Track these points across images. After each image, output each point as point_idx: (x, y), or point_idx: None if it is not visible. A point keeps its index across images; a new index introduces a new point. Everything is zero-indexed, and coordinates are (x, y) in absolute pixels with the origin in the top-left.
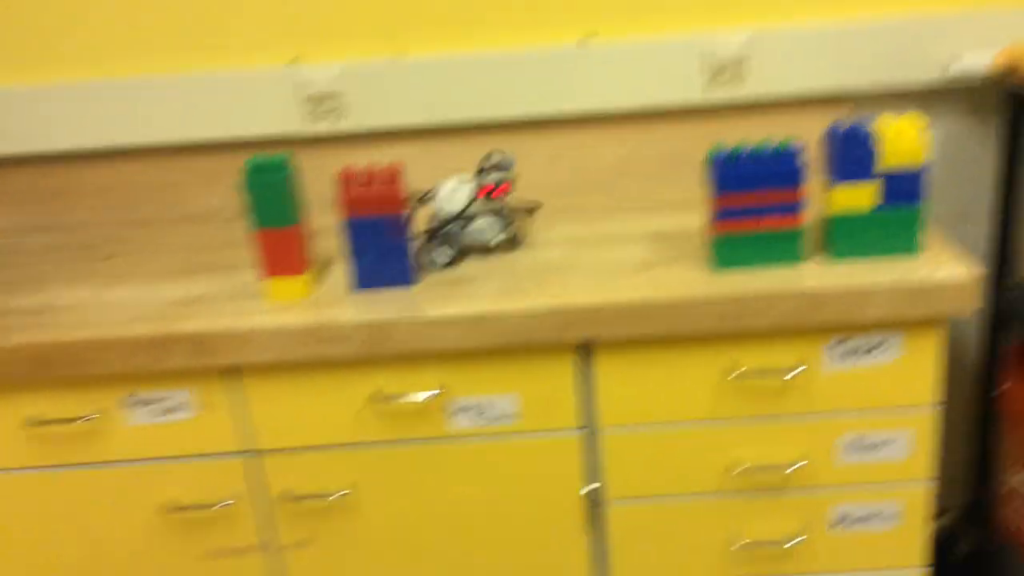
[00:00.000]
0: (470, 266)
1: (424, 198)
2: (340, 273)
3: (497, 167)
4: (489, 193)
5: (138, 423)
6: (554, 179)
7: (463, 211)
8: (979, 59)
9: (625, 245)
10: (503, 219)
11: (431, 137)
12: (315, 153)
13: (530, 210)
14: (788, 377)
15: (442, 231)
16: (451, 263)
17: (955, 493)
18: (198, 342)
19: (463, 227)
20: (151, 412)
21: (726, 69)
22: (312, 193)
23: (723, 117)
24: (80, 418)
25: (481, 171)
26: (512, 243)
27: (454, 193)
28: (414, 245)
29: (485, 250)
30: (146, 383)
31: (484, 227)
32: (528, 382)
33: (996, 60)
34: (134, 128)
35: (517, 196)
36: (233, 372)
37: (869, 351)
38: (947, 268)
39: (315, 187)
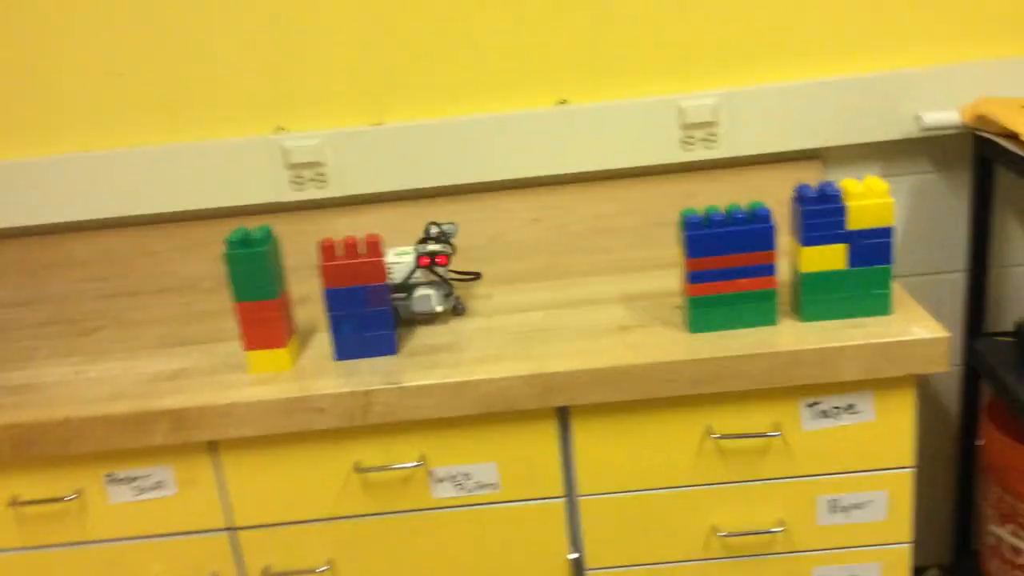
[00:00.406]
0: (450, 332)
1: None
2: (323, 342)
3: (439, 237)
4: (429, 264)
5: (120, 501)
6: (534, 239)
7: (404, 282)
8: (946, 113)
9: (603, 307)
10: (444, 288)
11: (413, 201)
12: (298, 219)
13: (471, 278)
14: (765, 439)
15: None
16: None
17: (940, 549)
18: (178, 418)
19: (405, 297)
20: (132, 490)
21: (698, 129)
22: (295, 260)
23: (697, 176)
24: (62, 498)
25: (424, 240)
26: (455, 311)
27: (394, 264)
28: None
29: (429, 319)
30: (127, 460)
31: (426, 296)
32: (508, 449)
33: (963, 113)
34: (118, 200)
35: (464, 263)
36: (214, 447)
37: (844, 412)
38: (918, 327)
39: (298, 254)
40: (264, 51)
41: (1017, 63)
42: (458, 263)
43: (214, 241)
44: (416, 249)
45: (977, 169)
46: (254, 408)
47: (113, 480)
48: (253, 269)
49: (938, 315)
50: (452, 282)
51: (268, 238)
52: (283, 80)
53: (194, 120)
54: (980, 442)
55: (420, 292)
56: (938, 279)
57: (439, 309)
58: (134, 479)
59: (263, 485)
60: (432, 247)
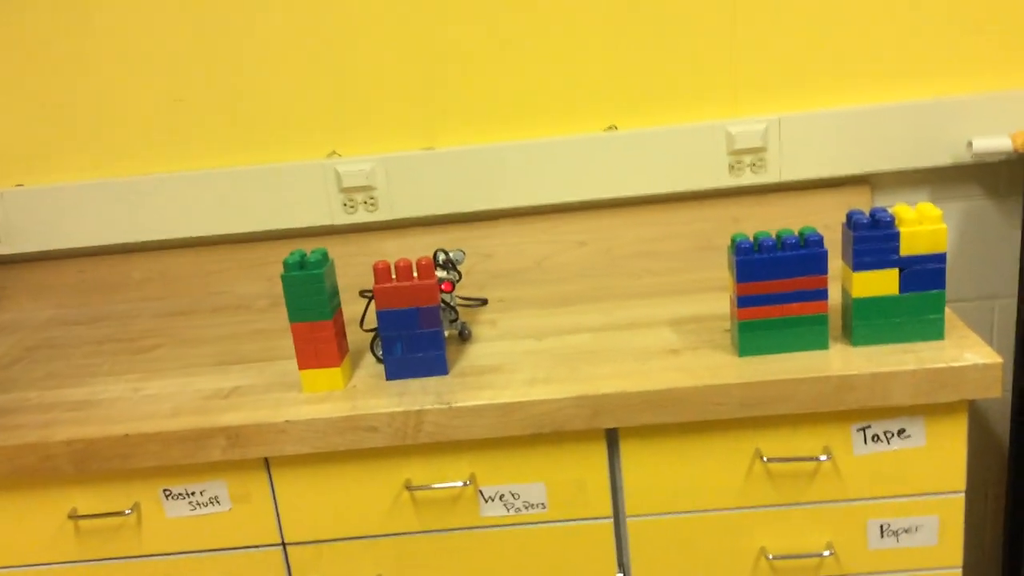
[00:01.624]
0: (500, 354)
1: (368, 294)
2: (375, 362)
3: (445, 264)
4: None
5: (176, 515)
6: (582, 263)
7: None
8: (998, 139)
9: (652, 330)
10: (449, 314)
11: (461, 225)
12: (349, 242)
13: (478, 304)
14: (815, 462)
15: None
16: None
17: (990, 574)
18: (234, 435)
19: None
20: (188, 505)
21: (747, 155)
22: (346, 282)
23: (744, 200)
24: (120, 512)
25: (444, 263)
26: (461, 338)
27: None
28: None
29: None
30: (183, 476)
31: None
32: (556, 470)
33: (1014, 140)
34: (176, 222)
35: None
36: (268, 464)
37: (894, 436)
38: (970, 352)
39: (349, 276)
40: (319, 78)
41: None
42: (505, 285)
43: (269, 262)
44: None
45: None
46: (308, 426)
47: (169, 495)
48: (309, 291)
49: (989, 340)
50: (459, 308)
51: (324, 261)
52: (337, 106)
53: (251, 145)
54: None
55: None
56: (989, 304)
57: (445, 335)
58: (190, 494)
59: (315, 501)
60: (439, 274)
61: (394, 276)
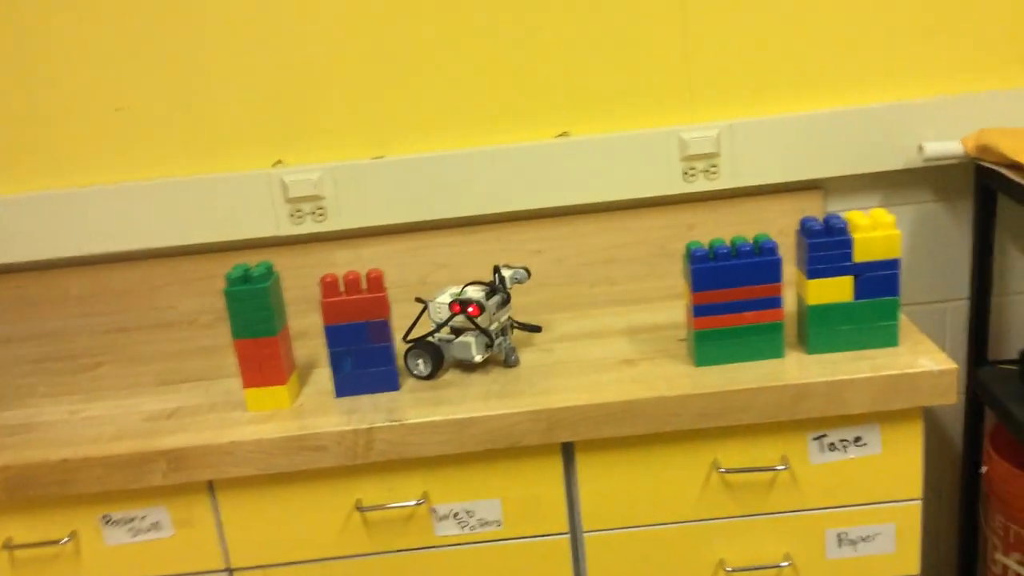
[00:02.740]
0: (458, 370)
1: (425, 303)
2: (324, 378)
3: (491, 285)
4: (460, 311)
5: (115, 543)
6: (537, 271)
7: (442, 325)
8: (948, 143)
9: (607, 340)
10: (487, 337)
11: (413, 234)
12: (297, 253)
13: (532, 330)
14: (772, 472)
15: (423, 341)
16: (430, 375)
17: None
18: (177, 458)
19: (451, 340)
20: (128, 531)
21: (700, 161)
22: (294, 294)
23: (698, 207)
24: (57, 541)
25: (493, 281)
26: (506, 363)
27: (440, 304)
28: (392, 351)
29: (471, 366)
30: (124, 501)
31: (467, 343)
32: (512, 486)
33: (965, 143)
34: (116, 234)
35: (524, 315)
36: (212, 487)
37: (851, 445)
38: (925, 358)
39: (298, 288)
40: (264, 85)
41: (1018, 94)
42: None
43: (213, 275)
44: (452, 294)
45: (979, 198)
46: (253, 447)
47: (109, 522)
48: (253, 306)
49: (941, 344)
50: (509, 331)
51: (269, 275)
52: (283, 114)
53: (194, 154)
54: (984, 470)
55: (462, 339)
56: (941, 307)
57: (478, 359)
58: (130, 520)
59: (262, 525)
60: (469, 294)
61: (342, 289)
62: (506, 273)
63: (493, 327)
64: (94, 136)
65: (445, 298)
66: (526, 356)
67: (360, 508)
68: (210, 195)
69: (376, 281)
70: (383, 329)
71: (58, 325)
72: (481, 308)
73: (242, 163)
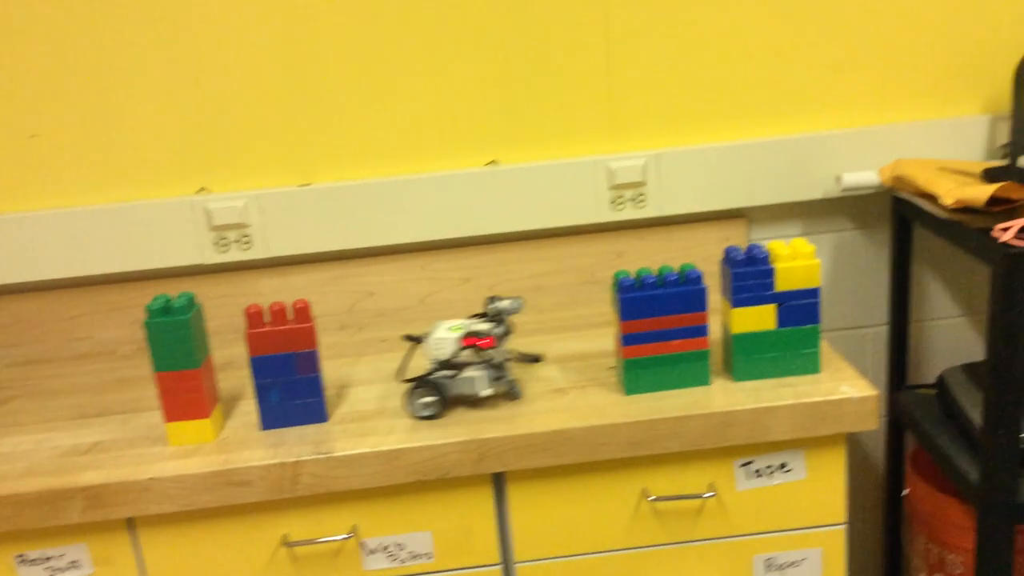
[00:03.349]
0: (381, 398)
1: (416, 340)
2: (249, 409)
3: (494, 315)
4: (473, 345)
5: None
6: (466, 300)
7: (448, 360)
8: (865, 174)
9: (537, 369)
10: (494, 370)
11: (340, 262)
12: (222, 281)
13: (531, 361)
14: (700, 500)
15: (427, 379)
16: (435, 414)
17: None
18: (94, 495)
19: (452, 376)
20: (45, 571)
21: (627, 189)
22: (218, 323)
23: (626, 235)
24: None
25: (484, 315)
26: (509, 395)
27: (442, 339)
28: (408, 388)
29: (475, 401)
30: (39, 540)
31: (473, 378)
32: (442, 518)
33: (881, 174)
34: (30, 264)
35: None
36: (132, 524)
37: (776, 470)
38: (847, 385)
39: (222, 317)
40: (186, 111)
41: (932, 126)
42: (388, 324)
43: (133, 305)
44: (463, 326)
45: (896, 227)
46: (175, 483)
47: (24, 561)
48: (174, 338)
49: (862, 369)
50: (509, 364)
51: (191, 306)
52: (206, 140)
53: (113, 182)
54: (906, 492)
55: (467, 373)
56: (861, 333)
57: (484, 394)
58: (47, 559)
59: (184, 563)
60: (479, 327)
61: (268, 319)
62: (503, 304)
63: (497, 360)
64: (7, 163)
65: (445, 333)
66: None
67: (287, 543)
68: (131, 223)
69: (303, 311)
70: (310, 360)
71: None
72: (496, 341)
73: (164, 190)
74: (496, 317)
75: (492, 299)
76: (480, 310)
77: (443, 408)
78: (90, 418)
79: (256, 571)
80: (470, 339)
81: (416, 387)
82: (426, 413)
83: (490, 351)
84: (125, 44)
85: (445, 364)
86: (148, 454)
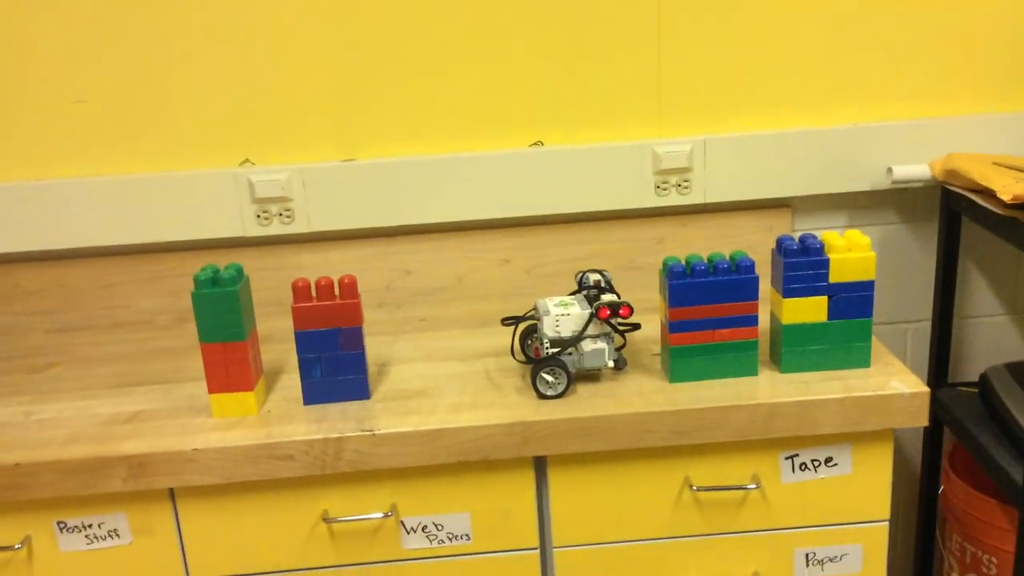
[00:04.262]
0: (425, 377)
1: (520, 320)
2: (291, 384)
3: (600, 287)
4: (610, 316)
5: (70, 549)
6: (505, 281)
7: (580, 335)
8: (916, 167)
9: None
10: (611, 341)
11: (381, 239)
12: (262, 255)
13: (632, 329)
14: (743, 491)
15: (556, 357)
16: (562, 392)
17: None
18: (137, 464)
19: (572, 352)
20: (85, 538)
21: (672, 175)
22: (259, 296)
23: (668, 220)
24: (10, 547)
25: (582, 291)
26: (616, 366)
27: (562, 317)
28: (532, 369)
29: (593, 376)
30: (80, 507)
31: (596, 350)
32: (482, 499)
33: (932, 167)
34: (72, 231)
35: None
36: (173, 495)
37: (821, 465)
38: (897, 380)
39: (263, 290)
40: (233, 82)
41: (985, 120)
42: (425, 303)
43: (172, 275)
44: (582, 300)
45: (945, 222)
46: (218, 454)
47: (64, 528)
48: (222, 310)
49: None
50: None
51: (239, 277)
52: (251, 112)
53: (157, 151)
54: (941, 490)
55: (593, 346)
56: (903, 328)
57: (611, 364)
58: (87, 527)
59: (223, 535)
60: (610, 297)
61: (314, 294)
62: (605, 275)
63: (608, 331)
64: (52, 129)
65: (561, 310)
66: (497, 364)
67: (326, 519)
68: (173, 193)
69: (350, 287)
70: (355, 336)
71: (7, 322)
72: (631, 308)
73: (208, 161)
74: (599, 289)
75: (583, 273)
76: (561, 288)
77: (569, 385)
78: (131, 387)
79: (295, 546)
80: (605, 310)
81: (542, 367)
82: (553, 392)
83: (608, 322)
84: (175, 11)
85: (575, 341)
86: (191, 425)
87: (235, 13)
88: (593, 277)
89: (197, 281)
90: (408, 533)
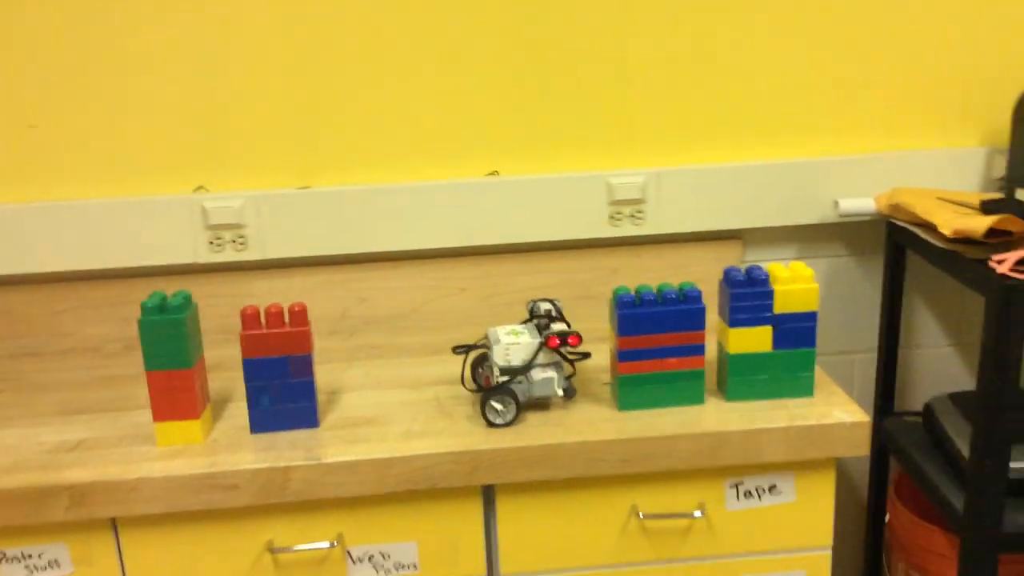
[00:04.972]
0: (375, 405)
1: (471, 348)
2: (239, 412)
3: (551, 316)
4: (560, 345)
5: None
6: (462, 310)
7: (530, 364)
8: (862, 200)
9: None
10: (561, 370)
11: (335, 267)
12: (214, 281)
13: (583, 358)
14: (690, 519)
15: (504, 386)
16: (511, 421)
17: None
18: (79, 493)
19: (521, 380)
20: (24, 569)
21: (626, 206)
22: (210, 324)
23: (622, 251)
24: None
25: (533, 320)
26: (566, 395)
27: (512, 345)
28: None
29: (542, 404)
30: (20, 537)
31: (545, 379)
32: (429, 528)
33: (878, 202)
34: (21, 256)
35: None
36: (116, 524)
37: (766, 492)
38: (839, 410)
39: (215, 318)
40: (188, 108)
41: (931, 155)
42: (380, 332)
43: (121, 302)
44: (532, 329)
45: (890, 254)
46: (161, 484)
47: (4, 558)
48: (169, 337)
49: (849, 394)
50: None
51: (187, 305)
52: (206, 138)
53: (109, 176)
54: (888, 519)
55: (542, 375)
56: (851, 359)
57: (560, 393)
58: (27, 557)
59: (167, 566)
60: (560, 326)
61: (263, 322)
62: (554, 304)
63: (558, 360)
64: (3, 153)
65: (512, 339)
66: (448, 392)
67: (272, 549)
68: (124, 219)
69: (300, 315)
70: (304, 364)
71: None
72: (579, 338)
73: (161, 187)
74: (550, 318)
75: (534, 302)
76: (517, 318)
77: (518, 414)
78: (77, 415)
79: None
80: (555, 339)
81: (491, 395)
82: (502, 421)
83: (562, 349)
84: (129, 35)
85: (523, 370)
86: (135, 453)
87: (191, 39)
88: (544, 306)
89: (144, 308)
90: (354, 563)
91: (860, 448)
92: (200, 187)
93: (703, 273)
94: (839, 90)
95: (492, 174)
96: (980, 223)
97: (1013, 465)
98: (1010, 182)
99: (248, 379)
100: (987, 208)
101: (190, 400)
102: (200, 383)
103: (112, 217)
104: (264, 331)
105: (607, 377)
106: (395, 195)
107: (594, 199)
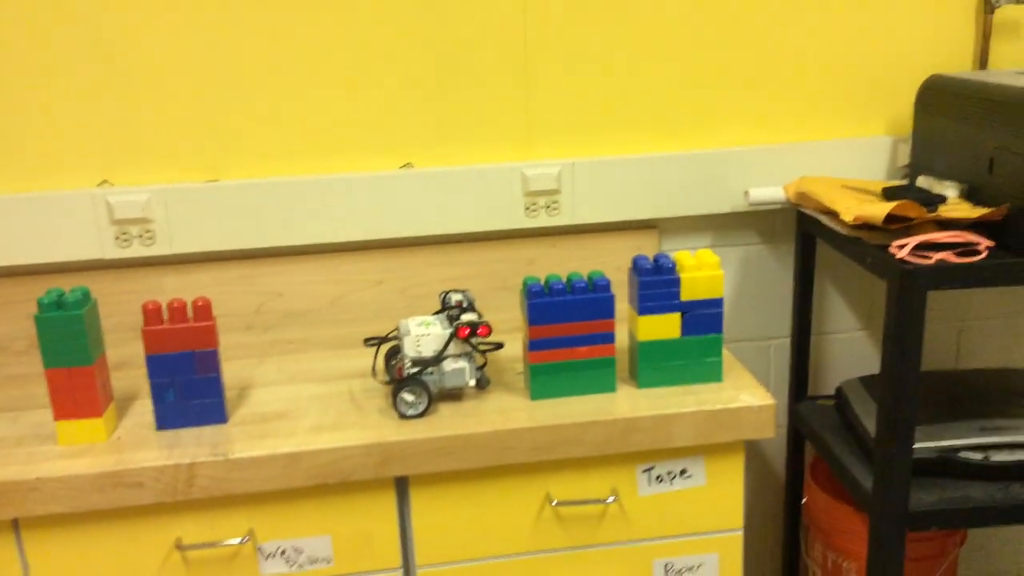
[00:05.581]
0: (285, 400)
1: (383, 340)
2: (145, 409)
3: (462, 307)
4: (469, 335)
5: None
6: (378, 303)
7: (440, 354)
8: (771, 190)
9: None
10: (473, 360)
11: (248, 261)
12: (123, 277)
13: (494, 348)
14: (603, 504)
15: (415, 377)
16: (423, 412)
17: None
18: None
19: (432, 372)
20: None
21: (541, 197)
22: (118, 320)
23: (538, 242)
24: None
25: (444, 311)
26: (479, 385)
27: (423, 336)
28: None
29: (455, 395)
30: None
31: (456, 370)
32: (343, 521)
33: (787, 191)
34: None
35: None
36: (17, 525)
37: (677, 476)
38: (746, 394)
39: (124, 315)
40: (90, 100)
41: (838, 145)
42: (296, 326)
43: (27, 299)
44: (444, 319)
45: (800, 242)
46: (63, 483)
47: None
48: (67, 333)
49: (765, 379)
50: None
51: (85, 300)
52: (110, 132)
53: (9, 171)
54: (804, 501)
55: (453, 365)
56: (765, 344)
57: (472, 383)
58: None
59: (72, 566)
60: (470, 317)
61: (166, 317)
62: (467, 295)
63: (470, 351)
64: None
65: (422, 330)
66: (360, 386)
67: (180, 547)
68: (26, 214)
69: (204, 309)
70: (210, 359)
71: None
72: (489, 328)
73: (64, 182)
74: (461, 308)
75: (446, 293)
76: (435, 309)
77: (430, 405)
78: None
79: (147, 575)
80: (465, 329)
81: (402, 387)
82: (414, 412)
83: (474, 339)
84: (29, 24)
85: (434, 361)
86: (36, 453)
87: (95, 29)
88: (455, 297)
89: (41, 304)
90: (266, 558)
91: (766, 430)
92: (104, 181)
93: (620, 262)
94: (747, 82)
95: (406, 166)
96: (880, 209)
97: (917, 445)
98: (912, 170)
99: (152, 375)
100: (889, 195)
101: (91, 398)
102: (102, 380)
103: (14, 213)
104: (167, 326)
105: (521, 367)
106: (308, 188)
107: (509, 190)
